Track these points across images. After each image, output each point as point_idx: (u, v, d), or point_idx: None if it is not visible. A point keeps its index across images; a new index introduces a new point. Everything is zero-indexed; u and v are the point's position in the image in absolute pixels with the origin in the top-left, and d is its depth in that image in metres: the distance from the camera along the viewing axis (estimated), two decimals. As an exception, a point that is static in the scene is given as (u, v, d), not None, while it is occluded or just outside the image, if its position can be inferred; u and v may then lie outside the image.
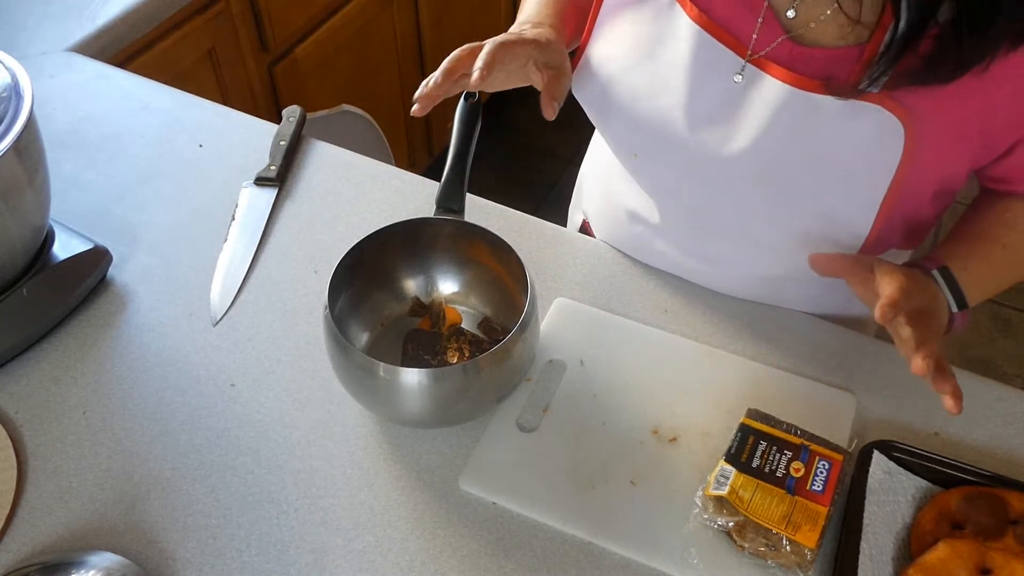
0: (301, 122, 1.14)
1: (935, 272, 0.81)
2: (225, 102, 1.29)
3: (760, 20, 0.78)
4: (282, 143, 1.10)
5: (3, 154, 0.78)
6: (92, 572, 0.72)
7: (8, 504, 0.78)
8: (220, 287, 0.96)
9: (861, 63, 0.75)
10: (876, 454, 0.78)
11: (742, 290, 0.95)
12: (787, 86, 0.78)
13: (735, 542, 0.74)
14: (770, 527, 0.73)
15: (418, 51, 2.07)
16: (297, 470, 0.81)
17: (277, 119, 1.15)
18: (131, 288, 0.97)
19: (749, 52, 0.79)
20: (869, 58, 0.74)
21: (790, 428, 0.80)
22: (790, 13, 0.77)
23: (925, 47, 0.71)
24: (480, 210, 1.04)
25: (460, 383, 0.77)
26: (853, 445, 0.81)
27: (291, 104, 1.18)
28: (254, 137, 1.13)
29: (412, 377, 0.76)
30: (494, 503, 0.79)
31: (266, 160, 1.09)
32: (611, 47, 0.88)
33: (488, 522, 0.78)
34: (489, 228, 0.85)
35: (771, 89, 0.79)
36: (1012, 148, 0.79)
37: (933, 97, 0.74)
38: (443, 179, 0.91)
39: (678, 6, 0.82)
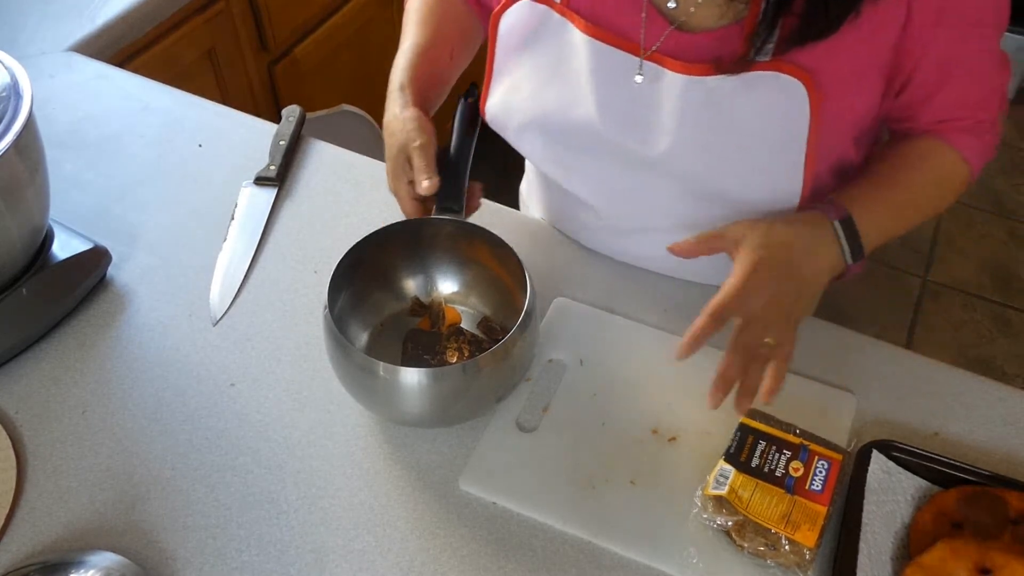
0: (301, 122, 1.14)
1: (836, 224, 0.80)
2: (225, 102, 1.29)
3: (644, 16, 0.81)
4: (282, 143, 1.10)
5: (3, 154, 0.78)
6: (92, 572, 0.72)
7: (8, 504, 0.78)
8: (220, 287, 0.96)
9: (744, 37, 0.77)
10: (875, 454, 0.78)
11: (692, 272, 0.97)
12: (683, 76, 0.80)
13: (734, 542, 0.74)
14: (769, 527, 0.73)
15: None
16: (297, 470, 0.81)
17: (277, 119, 1.15)
18: (131, 288, 0.97)
19: (642, 49, 0.81)
20: (750, 31, 0.77)
21: (789, 428, 0.80)
22: (671, 4, 0.80)
23: (799, 8, 0.73)
24: (480, 210, 1.04)
25: (460, 383, 0.77)
26: (852, 445, 0.81)
27: (291, 104, 1.18)
28: (254, 137, 1.13)
29: (412, 377, 0.76)
30: (494, 503, 0.79)
31: (266, 160, 1.09)
32: (514, 78, 0.91)
33: (488, 522, 0.78)
34: (489, 228, 0.85)
35: (671, 82, 0.81)
36: (904, 86, 0.82)
37: (823, 52, 0.76)
38: (443, 179, 0.91)
39: (569, 24, 0.84)
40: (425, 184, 0.84)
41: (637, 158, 0.87)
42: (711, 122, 0.81)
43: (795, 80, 0.77)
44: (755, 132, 0.81)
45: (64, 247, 0.93)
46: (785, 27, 0.75)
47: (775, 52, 0.76)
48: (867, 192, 0.85)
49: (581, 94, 0.86)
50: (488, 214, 1.04)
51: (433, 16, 0.98)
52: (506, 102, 0.92)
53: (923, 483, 0.78)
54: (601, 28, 0.82)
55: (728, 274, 1.00)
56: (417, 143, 0.86)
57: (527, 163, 1.17)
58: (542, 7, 0.85)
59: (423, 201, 0.88)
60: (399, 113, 0.89)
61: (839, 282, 0.83)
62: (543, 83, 0.88)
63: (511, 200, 1.09)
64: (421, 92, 0.92)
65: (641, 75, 0.82)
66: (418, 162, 0.85)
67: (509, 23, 0.88)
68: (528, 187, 1.19)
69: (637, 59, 0.82)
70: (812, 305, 0.79)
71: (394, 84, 0.93)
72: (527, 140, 0.94)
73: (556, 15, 0.85)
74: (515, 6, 0.87)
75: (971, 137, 0.87)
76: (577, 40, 0.84)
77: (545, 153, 0.94)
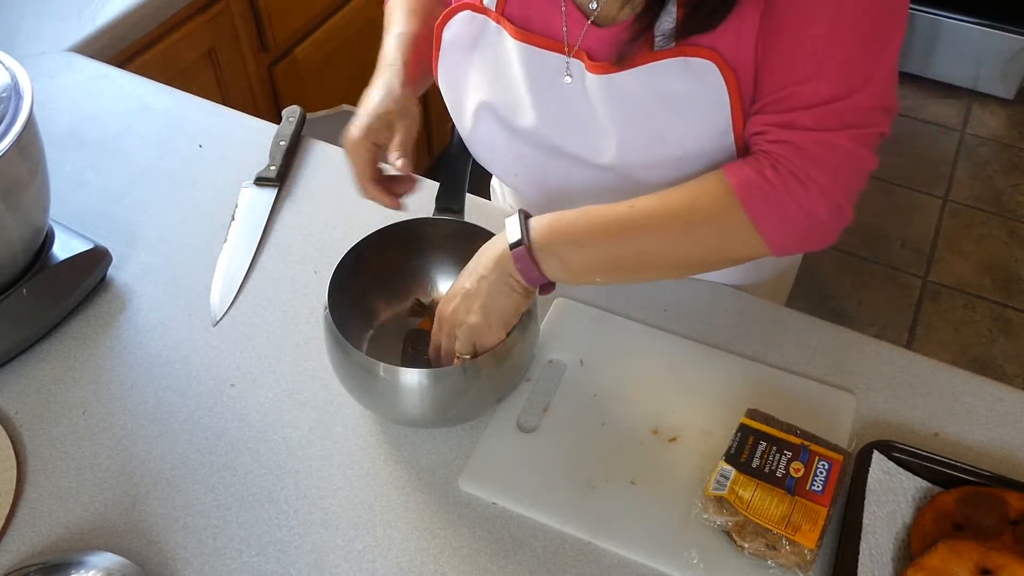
0: (301, 122, 1.14)
1: (516, 217, 0.78)
2: (225, 102, 1.29)
3: (563, 10, 0.81)
4: (282, 143, 1.10)
5: (4, 154, 0.78)
6: (92, 572, 0.72)
7: (8, 504, 0.78)
8: (220, 287, 0.96)
9: (633, 27, 0.78)
10: (876, 454, 0.78)
11: None
12: (600, 76, 0.80)
13: (735, 542, 0.74)
14: (770, 527, 0.73)
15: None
16: (297, 470, 0.81)
17: (277, 119, 1.15)
18: (131, 288, 0.97)
19: (566, 47, 0.82)
20: (631, 21, 0.77)
21: (790, 428, 0.80)
22: (593, 5, 0.80)
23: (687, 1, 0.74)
24: (480, 210, 1.04)
25: (460, 383, 0.77)
26: (853, 445, 0.81)
27: (291, 104, 1.18)
28: (254, 137, 1.13)
29: (412, 377, 0.76)
30: (494, 503, 0.79)
31: (266, 160, 1.09)
32: (462, 87, 0.91)
33: (488, 522, 0.78)
34: (489, 228, 0.85)
35: (592, 81, 0.81)
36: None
37: (719, 33, 0.75)
38: (443, 179, 0.91)
39: (504, 31, 0.85)
40: (400, 163, 0.83)
41: (584, 161, 0.87)
42: (645, 118, 0.82)
43: (705, 61, 0.77)
44: (683, 114, 0.81)
45: (64, 247, 0.93)
46: (678, 16, 0.75)
47: (676, 39, 0.76)
48: (572, 210, 0.79)
49: (521, 101, 0.87)
50: (490, 214, 1.04)
51: (421, 9, 0.97)
52: (461, 110, 0.93)
53: (923, 484, 0.78)
54: (531, 33, 0.83)
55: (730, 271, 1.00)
56: (407, 120, 0.85)
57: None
58: (481, 17, 0.86)
59: (380, 179, 0.86)
60: (397, 87, 0.87)
61: (544, 291, 0.80)
62: (486, 90, 0.89)
63: (483, 194, 1.10)
64: (413, 75, 0.91)
65: (570, 76, 0.83)
66: (401, 135, 0.84)
67: (452, 33, 0.89)
68: (500, 184, 1.19)
69: (564, 60, 0.82)
70: (487, 302, 0.77)
71: (388, 59, 0.91)
72: (483, 148, 0.94)
73: (493, 24, 0.85)
74: (457, 16, 0.87)
75: (743, 165, 0.76)
76: (510, 47, 0.85)
77: (497, 159, 0.94)
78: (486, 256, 0.79)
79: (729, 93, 0.78)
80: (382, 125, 0.85)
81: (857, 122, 0.74)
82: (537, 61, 0.84)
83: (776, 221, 0.75)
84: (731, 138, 0.81)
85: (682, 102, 0.80)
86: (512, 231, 0.78)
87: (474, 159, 0.97)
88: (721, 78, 0.77)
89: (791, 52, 0.73)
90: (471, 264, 0.80)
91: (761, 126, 0.77)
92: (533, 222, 0.79)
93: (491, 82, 0.88)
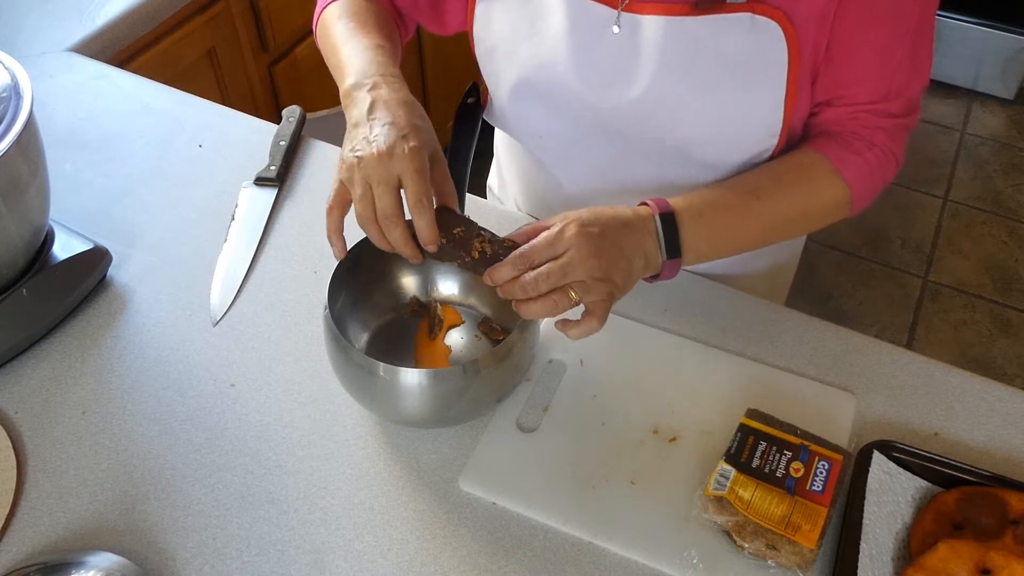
0: (301, 122, 1.14)
1: (656, 217, 0.78)
2: (225, 102, 1.29)
3: None
4: (282, 143, 1.10)
5: (4, 154, 0.78)
6: (92, 572, 0.72)
7: (8, 504, 0.78)
8: (220, 287, 0.96)
9: None
10: (876, 454, 0.78)
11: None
12: (662, 17, 0.80)
13: (735, 542, 0.74)
14: (770, 527, 0.73)
15: (418, 50, 2.07)
16: (297, 470, 0.81)
17: (277, 119, 1.15)
18: (131, 288, 0.97)
19: (620, 0, 0.82)
20: None
21: (790, 428, 0.80)
22: None
23: None
24: (480, 209, 1.04)
25: (460, 383, 0.77)
26: (853, 445, 0.81)
27: (291, 104, 1.18)
28: (254, 137, 1.13)
29: (412, 377, 0.76)
30: (494, 503, 0.79)
31: (266, 160, 1.09)
32: (492, 38, 0.90)
33: (488, 522, 0.78)
34: (489, 228, 0.85)
35: (649, 28, 0.81)
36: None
37: (792, 2, 0.78)
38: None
39: None
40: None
41: (619, 112, 0.86)
42: (689, 68, 0.81)
43: (770, 20, 0.78)
44: (736, 72, 0.81)
45: (64, 247, 0.93)
46: None
47: None
48: (708, 201, 0.82)
49: (558, 52, 0.86)
50: (490, 214, 1.04)
51: (379, 24, 0.92)
52: (487, 64, 0.92)
53: (924, 484, 0.78)
54: None
55: (728, 266, 1.00)
56: (439, 150, 0.78)
57: (496, 156, 1.16)
58: None
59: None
60: (412, 101, 0.80)
61: (653, 282, 0.82)
62: (520, 40, 0.88)
63: (479, 193, 1.10)
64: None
65: (618, 25, 0.82)
66: (448, 184, 0.79)
67: None
68: (500, 181, 1.19)
69: (613, 12, 0.82)
70: (628, 281, 0.76)
71: (385, 69, 0.84)
72: (510, 106, 0.93)
73: None
74: None
75: (848, 153, 0.85)
76: (552, 0, 0.84)
77: (523, 119, 0.93)
78: (638, 243, 0.77)
79: (789, 60, 0.79)
80: (423, 157, 0.76)
81: (917, 105, 0.87)
82: (583, 13, 0.83)
83: (868, 194, 0.88)
84: (780, 114, 0.82)
85: (741, 60, 0.80)
86: (668, 241, 0.78)
87: (477, 152, 0.97)
88: (784, 42, 0.79)
89: (889, 43, 0.80)
90: (616, 222, 0.76)
91: (855, 111, 0.85)
92: (687, 232, 0.79)
93: (526, 35, 0.87)
